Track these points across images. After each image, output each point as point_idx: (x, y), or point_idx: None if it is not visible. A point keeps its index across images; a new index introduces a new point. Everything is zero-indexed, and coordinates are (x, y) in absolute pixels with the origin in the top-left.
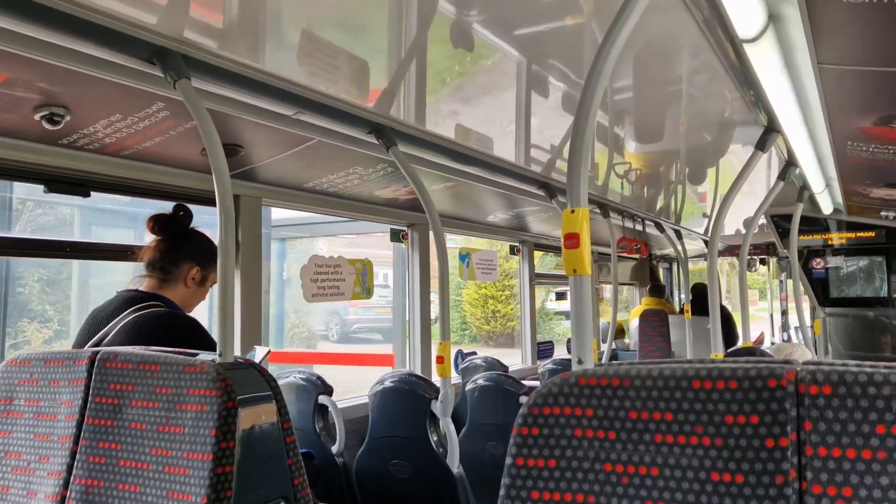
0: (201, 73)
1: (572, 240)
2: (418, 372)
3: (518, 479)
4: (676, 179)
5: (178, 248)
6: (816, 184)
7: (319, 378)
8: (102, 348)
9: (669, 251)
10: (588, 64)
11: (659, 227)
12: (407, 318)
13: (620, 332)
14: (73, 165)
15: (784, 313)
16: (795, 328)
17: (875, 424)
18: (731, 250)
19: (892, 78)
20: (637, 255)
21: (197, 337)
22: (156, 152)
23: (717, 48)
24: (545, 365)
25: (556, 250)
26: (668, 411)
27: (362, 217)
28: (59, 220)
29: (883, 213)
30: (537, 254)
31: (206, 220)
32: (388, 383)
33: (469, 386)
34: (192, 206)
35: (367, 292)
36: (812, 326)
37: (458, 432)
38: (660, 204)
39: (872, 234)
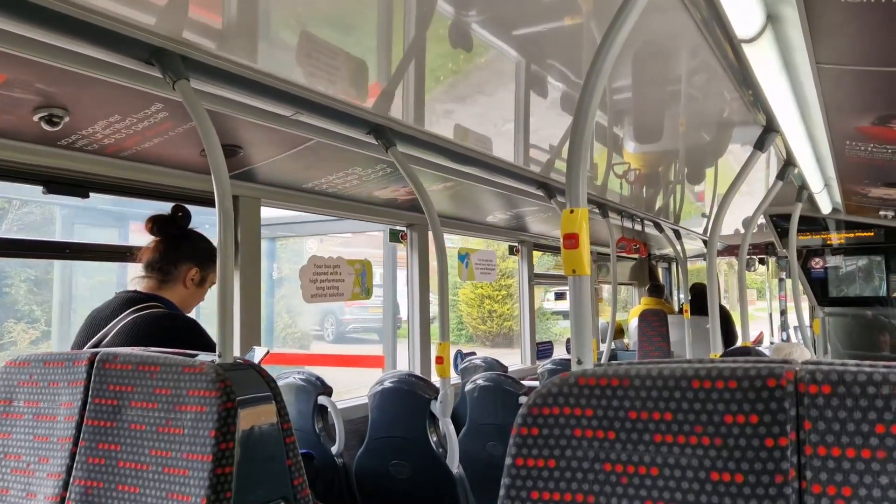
0: (200, 73)
1: (571, 240)
2: (418, 372)
3: (518, 479)
4: (675, 179)
5: (177, 248)
6: (815, 183)
7: (319, 379)
8: (102, 349)
9: (668, 251)
10: (587, 64)
11: (658, 226)
12: (405, 319)
13: (620, 332)
14: (72, 166)
15: (783, 313)
16: (794, 328)
17: (874, 424)
18: (731, 250)
19: (890, 78)
20: (636, 255)
21: (196, 338)
22: (155, 153)
23: (716, 48)
24: (544, 365)
25: (555, 250)
26: (668, 411)
27: (361, 217)
28: (46, 219)
29: (881, 213)
30: (535, 254)
31: (202, 221)
32: (387, 384)
33: (468, 386)
34: (190, 207)
35: (367, 293)
36: (811, 326)
37: (457, 432)
38: (659, 204)
39: (871, 233)
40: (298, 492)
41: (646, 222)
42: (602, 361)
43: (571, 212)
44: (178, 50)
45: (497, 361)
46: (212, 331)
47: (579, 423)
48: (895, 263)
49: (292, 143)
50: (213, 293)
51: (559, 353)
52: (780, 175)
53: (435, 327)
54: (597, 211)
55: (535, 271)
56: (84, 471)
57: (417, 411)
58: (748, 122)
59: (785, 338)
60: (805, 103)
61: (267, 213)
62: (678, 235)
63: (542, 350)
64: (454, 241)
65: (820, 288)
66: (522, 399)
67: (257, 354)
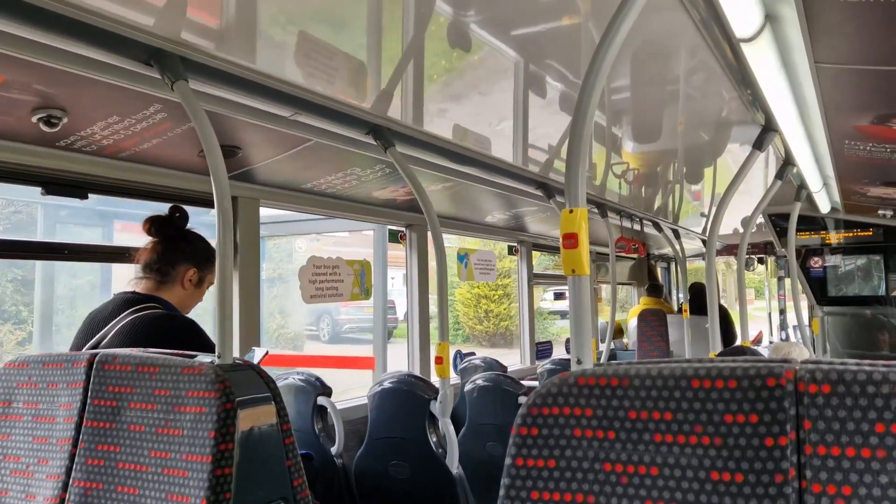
0: (199, 74)
1: (571, 240)
2: (417, 372)
3: (518, 479)
4: (674, 179)
5: (175, 249)
6: (814, 183)
7: (318, 379)
8: (101, 350)
9: (667, 251)
10: (585, 64)
11: (657, 226)
12: (402, 319)
13: (619, 331)
14: (71, 167)
15: (782, 312)
16: (794, 327)
17: (874, 423)
18: (729, 249)
19: (889, 77)
20: (635, 255)
21: (195, 338)
22: (153, 154)
23: (715, 48)
24: (544, 365)
25: (554, 250)
26: (668, 411)
27: (361, 218)
28: (32, 218)
29: (880, 212)
30: (534, 254)
31: (192, 223)
32: (386, 384)
33: (468, 386)
34: (187, 208)
35: (366, 293)
36: (810, 325)
37: (457, 433)
38: (658, 203)
39: (870, 232)
40: (298, 492)
41: (645, 222)
42: (601, 361)
43: (571, 211)
44: (176, 51)
45: (496, 361)
46: (210, 331)
47: (579, 422)
48: (894, 262)
49: (291, 144)
50: (212, 294)
51: (558, 353)
52: (779, 174)
53: (433, 327)
54: (596, 211)
55: (533, 271)
56: (83, 472)
57: (417, 411)
58: (747, 122)
59: (784, 337)
60: (804, 103)
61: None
62: (677, 235)
63: (542, 350)
64: (451, 241)
65: (819, 287)
66: (522, 399)
67: (256, 355)
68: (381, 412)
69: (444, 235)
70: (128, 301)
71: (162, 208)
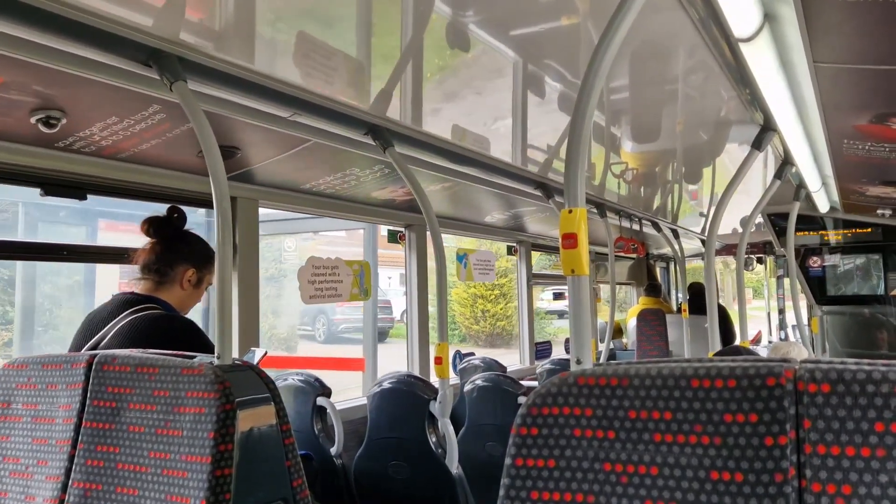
0: (197, 75)
1: (570, 240)
2: (416, 373)
3: (517, 479)
4: (673, 179)
5: (174, 250)
6: (813, 182)
7: (318, 380)
8: (100, 351)
9: (667, 251)
10: (584, 64)
11: (656, 226)
12: (398, 319)
13: (618, 331)
14: (70, 168)
15: (781, 312)
16: (793, 326)
17: (874, 422)
18: (728, 249)
19: (887, 76)
20: (634, 255)
21: (194, 339)
22: (152, 155)
23: (713, 48)
24: (543, 365)
25: (553, 250)
26: (668, 410)
27: (360, 218)
28: (15, 217)
29: (879, 211)
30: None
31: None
32: (386, 384)
33: (467, 386)
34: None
35: (365, 294)
36: (809, 325)
37: (456, 433)
38: (656, 203)
39: (869, 231)
40: (298, 493)
41: (644, 222)
42: (601, 361)
43: (570, 211)
44: (175, 51)
45: (496, 362)
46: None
47: (579, 422)
48: (893, 262)
49: (290, 144)
50: (210, 294)
51: (558, 353)
52: (778, 174)
53: (431, 327)
54: (595, 211)
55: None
56: (83, 473)
57: (416, 412)
58: (746, 122)
59: (783, 336)
60: (802, 102)
61: None
62: (676, 235)
63: (541, 350)
64: (448, 241)
65: (818, 286)
66: (521, 399)
67: (256, 356)
68: (381, 412)
69: (443, 235)
70: (127, 302)
71: (161, 209)
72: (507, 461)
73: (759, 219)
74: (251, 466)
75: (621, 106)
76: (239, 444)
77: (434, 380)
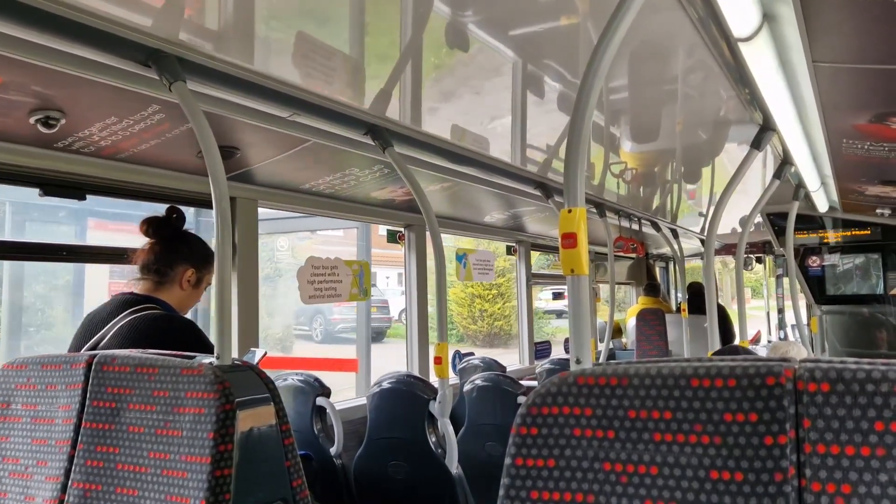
0: (197, 75)
1: (570, 239)
2: (416, 373)
3: (517, 479)
4: (672, 178)
5: (173, 250)
6: (812, 182)
7: (317, 380)
8: (100, 352)
9: (666, 250)
10: (584, 63)
11: (655, 226)
12: (396, 318)
13: (618, 331)
14: (69, 169)
15: (780, 311)
16: (792, 326)
17: (873, 421)
18: (728, 249)
19: (886, 75)
20: (634, 255)
21: (194, 339)
22: (152, 155)
23: (713, 47)
24: (543, 365)
25: (552, 250)
26: (667, 410)
27: (359, 218)
28: (2, 217)
29: (878, 211)
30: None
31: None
32: (385, 384)
33: (467, 386)
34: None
35: (364, 294)
36: (808, 324)
37: (456, 433)
38: (656, 203)
39: (868, 231)
40: (297, 493)
41: (643, 222)
42: (600, 361)
43: (569, 211)
44: (174, 52)
45: (495, 361)
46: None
47: (579, 422)
48: (892, 261)
49: (289, 145)
50: (209, 294)
51: (557, 353)
52: (777, 174)
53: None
54: (594, 210)
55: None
56: (82, 473)
57: (416, 412)
58: (745, 121)
59: (782, 336)
60: (801, 101)
61: None
62: (675, 235)
63: (541, 350)
64: (446, 241)
65: (817, 286)
66: (521, 399)
67: (256, 356)
68: (381, 412)
69: (442, 235)
70: (126, 302)
71: (160, 209)
72: (507, 461)
73: (758, 218)
74: (251, 467)
75: (621, 106)
76: (239, 445)
77: (433, 380)
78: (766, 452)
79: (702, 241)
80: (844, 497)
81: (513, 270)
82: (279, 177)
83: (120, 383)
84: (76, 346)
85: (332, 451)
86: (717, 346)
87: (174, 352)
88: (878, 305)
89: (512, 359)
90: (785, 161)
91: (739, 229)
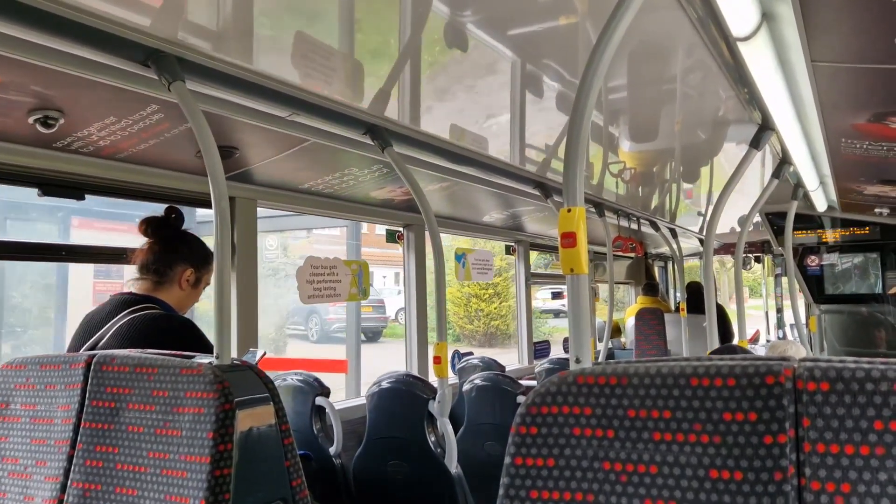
0: (196, 75)
1: (569, 238)
2: (415, 372)
3: (517, 478)
4: (671, 178)
5: (172, 250)
6: (810, 181)
7: (317, 380)
8: (99, 351)
9: (665, 250)
10: (583, 63)
11: (654, 225)
12: (392, 318)
13: (617, 330)
14: (68, 169)
15: (779, 311)
16: (791, 325)
17: (873, 420)
18: (726, 248)
19: (885, 74)
20: (632, 255)
21: (193, 339)
22: (151, 155)
23: (711, 47)
24: (542, 364)
25: (551, 250)
26: (667, 409)
27: (358, 218)
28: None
29: (877, 210)
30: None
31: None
32: (385, 384)
33: (466, 386)
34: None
35: (364, 293)
36: (807, 323)
37: (455, 432)
38: (655, 203)
39: (866, 230)
40: (297, 493)
41: (642, 221)
42: (599, 360)
43: (569, 210)
44: (173, 51)
45: (494, 361)
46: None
47: (578, 421)
48: (890, 260)
49: (288, 144)
50: (209, 294)
51: (556, 352)
52: (776, 173)
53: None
54: (593, 210)
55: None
56: (82, 473)
57: (415, 411)
58: (743, 121)
59: (781, 336)
60: (800, 101)
61: None
62: (674, 234)
63: (540, 349)
64: (444, 241)
65: (816, 285)
66: (520, 398)
67: (255, 356)
68: (380, 412)
69: (441, 235)
70: (125, 302)
71: (159, 209)
72: (507, 460)
73: (756, 218)
74: (250, 466)
75: (620, 105)
76: (238, 444)
77: (433, 379)
78: (765, 452)
79: (700, 241)
80: (844, 496)
81: (509, 269)
82: (278, 176)
83: (119, 383)
84: (75, 345)
85: (332, 450)
86: (717, 345)
87: (173, 351)
88: (877, 305)
89: (509, 359)
90: (784, 160)
91: (738, 229)
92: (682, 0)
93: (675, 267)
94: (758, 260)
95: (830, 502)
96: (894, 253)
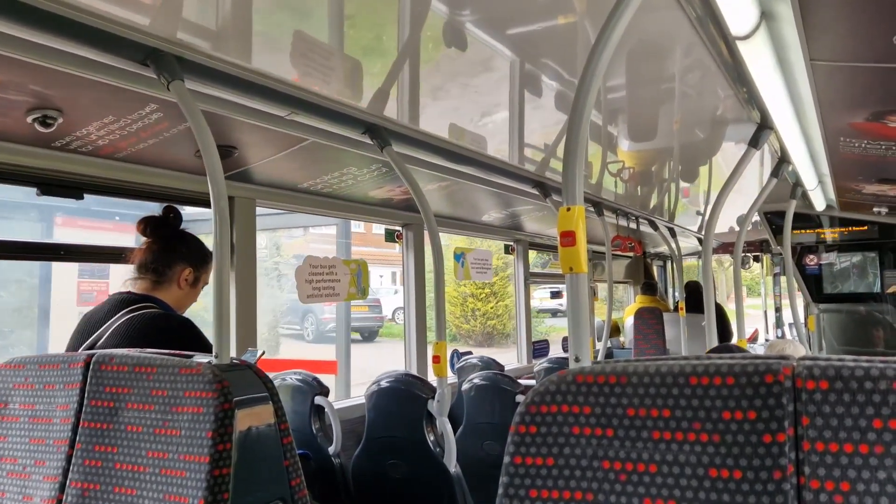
0: (195, 74)
1: (568, 237)
2: (414, 372)
3: (516, 477)
4: (670, 177)
5: (171, 249)
6: (809, 180)
7: (316, 379)
8: (97, 351)
9: (663, 249)
10: (582, 62)
11: (653, 224)
12: (389, 318)
13: (616, 330)
14: (67, 168)
15: (778, 310)
16: (789, 324)
17: (872, 419)
18: (725, 247)
19: (883, 73)
20: (631, 254)
21: (192, 338)
22: (150, 154)
23: (711, 46)
24: (541, 363)
25: (551, 249)
26: (666, 408)
27: (357, 217)
28: None
29: (875, 209)
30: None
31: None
32: (384, 383)
33: (465, 385)
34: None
35: (363, 293)
36: (806, 322)
37: (454, 432)
38: (653, 202)
39: (865, 229)
40: (296, 492)
41: (641, 220)
42: (598, 359)
43: (568, 209)
44: (172, 51)
45: (493, 360)
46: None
47: (577, 420)
48: (889, 259)
49: (287, 144)
50: (208, 294)
51: (555, 352)
52: (775, 172)
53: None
54: (592, 209)
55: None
56: (80, 473)
57: (414, 411)
58: (742, 120)
59: (780, 335)
60: (799, 100)
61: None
62: (673, 233)
63: (539, 349)
64: (443, 240)
65: (814, 284)
66: (519, 398)
67: (254, 355)
68: (379, 411)
69: (440, 234)
70: (124, 301)
71: (158, 209)
72: (506, 459)
73: (755, 217)
74: (249, 466)
75: (619, 104)
76: (237, 444)
77: (432, 379)
78: (764, 450)
79: (699, 240)
80: (843, 494)
81: (506, 269)
82: (277, 176)
83: (118, 383)
84: (74, 345)
85: (331, 450)
86: (716, 344)
87: (172, 351)
88: (876, 304)
89: (507, 358)
90: (782, 159)
91: (737, 228)
92: None
93: (674, 266)
94: (756, 259)
95: (830, 501)
96: (892, 252)
